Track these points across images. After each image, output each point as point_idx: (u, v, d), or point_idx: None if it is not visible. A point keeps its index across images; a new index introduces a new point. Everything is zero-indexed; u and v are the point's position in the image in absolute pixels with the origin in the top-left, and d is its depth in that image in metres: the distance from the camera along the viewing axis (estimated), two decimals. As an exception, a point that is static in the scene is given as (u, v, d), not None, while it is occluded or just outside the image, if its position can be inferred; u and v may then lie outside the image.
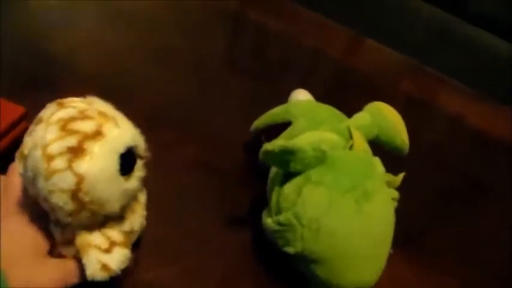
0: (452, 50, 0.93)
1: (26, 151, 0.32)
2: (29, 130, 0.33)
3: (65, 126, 0.31)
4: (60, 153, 0.30)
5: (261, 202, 0.47)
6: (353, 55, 0.83)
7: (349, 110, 0.52)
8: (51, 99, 0.35)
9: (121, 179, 0.33)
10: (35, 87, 0.54)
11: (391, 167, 0.46)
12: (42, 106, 0.34)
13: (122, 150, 0.32)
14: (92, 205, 0.32)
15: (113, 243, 0.34)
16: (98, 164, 0.31)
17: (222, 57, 0.73)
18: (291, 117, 0.49)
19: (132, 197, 0.36)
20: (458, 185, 0.65)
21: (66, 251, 0.35)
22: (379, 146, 0.50)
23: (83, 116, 0.32)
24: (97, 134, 0.31)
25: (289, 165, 0.41)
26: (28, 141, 0.33)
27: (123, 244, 0.35)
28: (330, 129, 0.46)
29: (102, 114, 0.33)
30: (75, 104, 0.33)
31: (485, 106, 0.80)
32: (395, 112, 0.51)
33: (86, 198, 0.31)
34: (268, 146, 0.39)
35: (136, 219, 0.38)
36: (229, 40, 0.77)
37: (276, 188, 0.43)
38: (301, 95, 0.54)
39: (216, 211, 0.49)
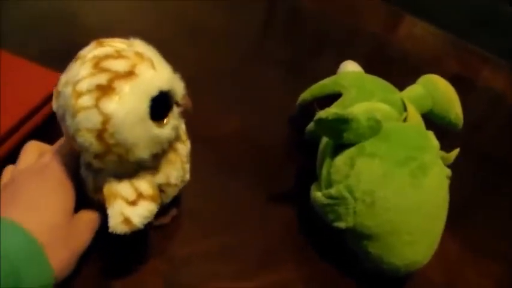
0: (495, 30, 0.90)
1: (60, 88, 0.31)
2: (67, 68, 0.32)
3: (97, 64, 0.30)
4: (89, 91, 0.29)
5: (304, 178, 0.45)
6: (393, 32, 0.80)
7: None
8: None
9: (151, 124, 0.31)
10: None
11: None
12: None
13: (154, 93, 0.30)
14: (118, 148, 0.30)
15: (140, 196, 0.33)
16: (127, 105, 0.29)
17: (260, 33, 0.71)
18: (341, 88, 0.47)
19: (166, 146, 0.34)
20: (505, 166, 0.62)
21: (98, 197, 0.34)
22: (429, 122, 0.48)
23: (118, 55, 0.31)
24: (129, 74, 0.30)
25: (342, 135, 0.39)
26: (62, 78, 0.32)
27: (151, 198, 0.33)
28: (382, 100, 0.44)
29: (138, 54, 0.31)
30: (114, 44, 0.32)
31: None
32: (449, 85, 0.48)
33: (112, 140, 0.30)
34: (322, 114, 0.37)
35: (173, 171, 0.36)
36: (267, 16, 0.75)
37: (327, 160, 0.41)
38: (350, 66, 0.52)
39: (257, 185, 0.48)
